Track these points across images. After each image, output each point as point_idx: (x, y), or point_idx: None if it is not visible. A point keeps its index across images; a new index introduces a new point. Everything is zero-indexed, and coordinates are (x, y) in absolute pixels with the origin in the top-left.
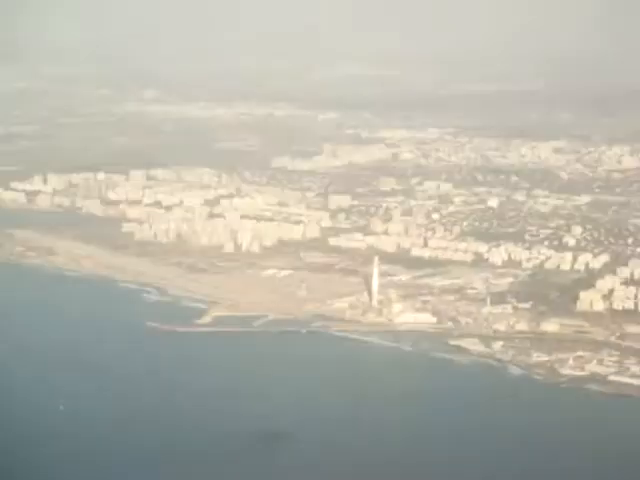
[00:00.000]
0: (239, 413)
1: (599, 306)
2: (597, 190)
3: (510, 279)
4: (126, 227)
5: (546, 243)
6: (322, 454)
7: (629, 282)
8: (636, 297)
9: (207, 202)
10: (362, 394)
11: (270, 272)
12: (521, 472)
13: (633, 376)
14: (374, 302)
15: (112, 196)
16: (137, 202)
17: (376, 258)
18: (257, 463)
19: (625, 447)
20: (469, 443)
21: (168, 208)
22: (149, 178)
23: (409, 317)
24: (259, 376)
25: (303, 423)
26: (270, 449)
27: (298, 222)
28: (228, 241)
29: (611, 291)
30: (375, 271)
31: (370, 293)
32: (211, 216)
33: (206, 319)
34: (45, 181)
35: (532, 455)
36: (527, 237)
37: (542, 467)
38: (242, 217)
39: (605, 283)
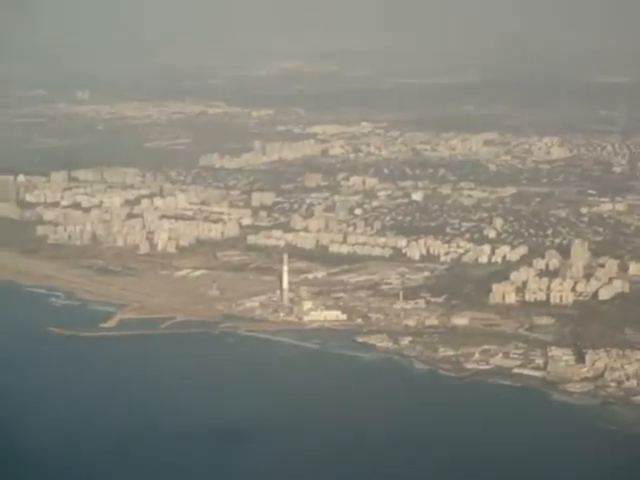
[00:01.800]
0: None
1: (511, 298)
2: (524, 182)
3: (426, 273)
4: (40, 230)
5: (467, 236)
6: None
7: (543, 274)
8: (549, 288)
9: (127, 202)
10: (259, 393)
11: (183, 272)
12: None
13: (536, 368)
14: (285, 300)
15: (30, 198)
16: (55, 204)
17: (285, 255)
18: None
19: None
20: (362, 440)
21: (87, 210)
22: (71, 179)
23: (319, 315)
24: (154, 378)
25: (198, 425)
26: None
27: (218, 221)
28: (144, 242)
29: (525, 283)
30: (284, 269)
31: (281, 291)
32: (130, 217)
33: (111, 322)
34: None
35: (426, 450)
36: (448, 230)
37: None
38: (161, 217)
39: (519, 275)
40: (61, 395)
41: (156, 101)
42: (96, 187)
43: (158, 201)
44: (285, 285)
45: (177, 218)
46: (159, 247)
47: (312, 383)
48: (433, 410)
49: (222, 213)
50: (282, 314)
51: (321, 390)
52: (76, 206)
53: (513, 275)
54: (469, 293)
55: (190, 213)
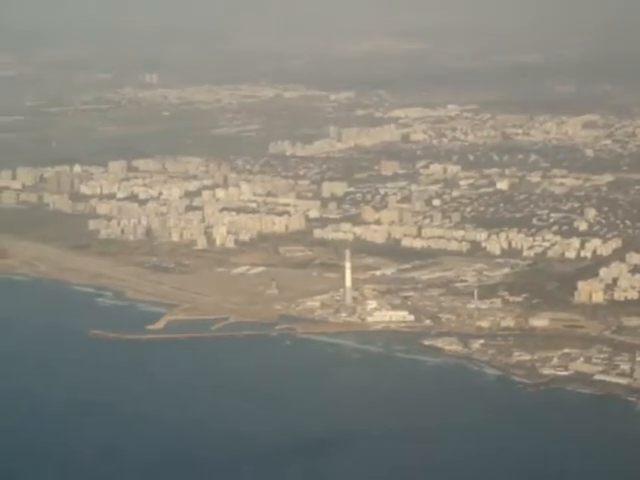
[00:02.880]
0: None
1: (599, 297)
2: (624, 168)
3: (506, 270)
4: (92, 224)
5: (555, 228)
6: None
7: (638, 270)
8: None
9: (188, 194)
10: (313, 400)
11: (241, 270)
12: None
13: (621, 375)
14: (347, 300)
15: (85, 190)
16: (111, 196)
17: (347, 251)
18: None
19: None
20: (422, 455)
21: (143, 202)
22: (130, 169)
23: (384, 315)
24: (195, 386)
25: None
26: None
27: (282, 213)
28: (201, 237)
29: (615, 280)
30: (347, 265)
31: (344, 290)
32: (189, 209)
33: (159, 324)
34: (14, 176)
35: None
36: (535, 222)
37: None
38: (222, 210)
39: (610, 271)
40: (83, 405)
41: (229, 84)
42: (156, 178)
43: (220, 192)
44: (348, 283)
45: (239, 211)
46: (217, 242)
47: (372, 390)
48: (502, 421)
49: (288, 205)
50: (344, 314)
51: (379, 398)
52: (133, 198)
53: (602, 271)
54: (552, 291)
55: (254, 205)
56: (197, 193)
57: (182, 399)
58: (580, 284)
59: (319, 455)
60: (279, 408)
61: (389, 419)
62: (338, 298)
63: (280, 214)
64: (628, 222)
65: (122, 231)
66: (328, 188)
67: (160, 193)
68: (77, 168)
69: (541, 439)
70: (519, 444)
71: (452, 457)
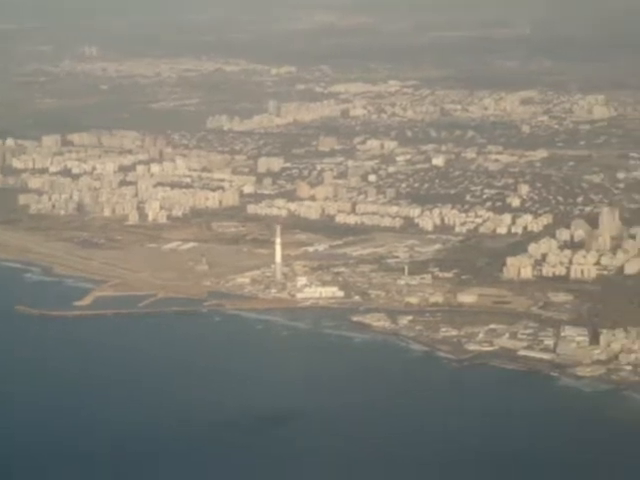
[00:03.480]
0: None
1: (527, 273)
2: (559, 144)
3: (438, 246)
4: (23, 199)
5: (488, 205)
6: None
7: (567, 246)
8: (570, 262)
9: (122, 169)
10: (237, 378)
11: (172, 245)
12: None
13: (545, 350)
14: (277, 276)
15: (17, 164)
16: (43, 170)
17: (277, 227)
18: None
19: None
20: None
21: (76, 177)
22: (65, 144)
23: (314, 292)
24: (120, 363)
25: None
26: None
27: (217, 189)
28: (133, 212)
29: (544, 256)
30: (277, 241)
31: (275, 266)
32: (122, 184)
33: (86, 300)
34: None
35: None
36: (468, 198)
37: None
38: (156, 185)
39: (539, 247)
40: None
41: (169, 58)
42: (91, 152)
43: (155, 167)
44: (278, 259)
45: (173, 186)
46: (149, 217)
47: (298, 367)
48: (422, 396)
49: (223, 180)
50: (274, 291)
51: (304, 375)
52: (66, 173)
53: (532, 247)
54: (482, 267)
55: (188, 180)
56: (132, 168)
57: (108, 376)
58: (509, 260)
59: (248, 431)
60: (203, 385)
61: (311, 396)
62: (269, 274)
63: (214, 189)
64: (560, 198)
65: (53, 206)
66: (264, 164)
67: (94, 168)
68: (10, 141)
69: (457, 415)
70: (435, 419)
71: (371, 434)
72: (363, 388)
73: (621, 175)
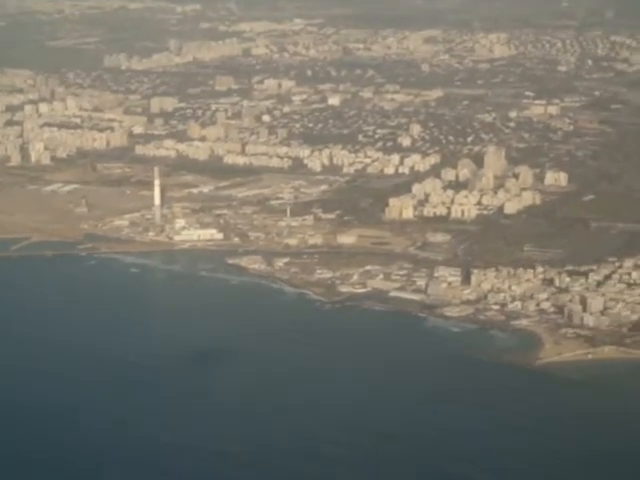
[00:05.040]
0: None
1: (409, 214)
2: (457, 83)
3: (324, 187)
4: None
5: (379, 145)
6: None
7: (452, 185)
8: (452, 202)
9: (10, 108)
10: (102, 322)
11: (53, 187)
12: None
13: (416, 291)
14: (157, 219)
15: None
16: None
17: (156, 169)
18: None
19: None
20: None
21: None
22: None
23: (192, 234)
24: None
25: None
26: None
27: (106, 129)
28: (16, 152)
29: (428, 196)
30: (156, 183)
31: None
32: (8, 124)
33: None
34: None
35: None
36: (361, 138)
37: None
38: (43, 125)
39: (423, 187)
40: None
41: None
42: None
43: (44, 107)
44: (157, 201)
45: (61, 126)
46: (32, 159)
47: (163, 310)
48: (282, 339)
49: (114, 120)
50: (152, 234)
51: (169, 316)
52: None
53: (415, 187)
54: (365, 208)
55: (78, 121)
56: (20, 107)
57: None
58: (391, 201)
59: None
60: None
61: (170, 341)
62: (149, 217)
63: (103, 130)
64: (451, 138)
65: None
66: (157, 103)
67: None
68: None
69: (318, 354)
70: (295, 358)
71: (238, 375)
72: (225, 330)
73: (513, 114)
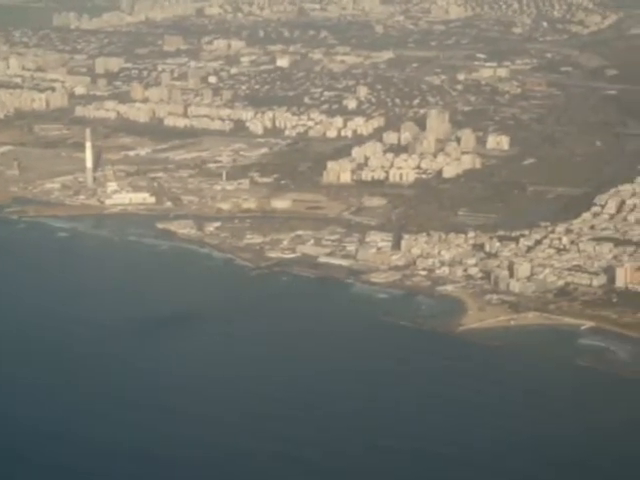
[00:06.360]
0: None
1: (346, 178)
2: (410, 45)
3: (264, 150)
4: None
5: (324, 107)
6: None
7: (394, 149)
8: (392, 166)
9: None
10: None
11: None
12: None
13: (346, 257)
14: (88, 182)
15: None
16: None
17: (87, 130)
18: None
19: None
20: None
21: None
22: None
23: (123, 198)
24: None
25: None
26: None
27: (47, 89)
28: None
29: (367, 160)
30: (88, 145)
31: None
32: None
33: None
34: None
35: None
36: (306, 101)
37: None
38: None
39: (363, 150)
40: None
41: None
42: None
43: None
44: (88, 164)
45: (0, 86)
46: None
47: (87, 276)
48: (200, 303)
49: (56, 81)
50: (82, 197)
51: (92, 284)
52: None
53: (355, 151)
54: (303, 172)
55: (19, 80)
56: None
57: None
58: (329, 164)
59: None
60: None
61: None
62: (81, 180)
63: (44, 90)
64: (397, 100)
65: None
66: (102, 64)
67: None
68: None
69: (232, 322)
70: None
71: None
72: (151, 297)
73: (461, 76)
